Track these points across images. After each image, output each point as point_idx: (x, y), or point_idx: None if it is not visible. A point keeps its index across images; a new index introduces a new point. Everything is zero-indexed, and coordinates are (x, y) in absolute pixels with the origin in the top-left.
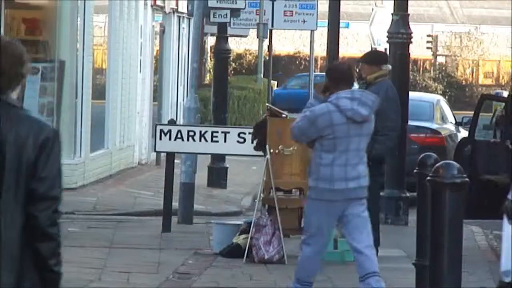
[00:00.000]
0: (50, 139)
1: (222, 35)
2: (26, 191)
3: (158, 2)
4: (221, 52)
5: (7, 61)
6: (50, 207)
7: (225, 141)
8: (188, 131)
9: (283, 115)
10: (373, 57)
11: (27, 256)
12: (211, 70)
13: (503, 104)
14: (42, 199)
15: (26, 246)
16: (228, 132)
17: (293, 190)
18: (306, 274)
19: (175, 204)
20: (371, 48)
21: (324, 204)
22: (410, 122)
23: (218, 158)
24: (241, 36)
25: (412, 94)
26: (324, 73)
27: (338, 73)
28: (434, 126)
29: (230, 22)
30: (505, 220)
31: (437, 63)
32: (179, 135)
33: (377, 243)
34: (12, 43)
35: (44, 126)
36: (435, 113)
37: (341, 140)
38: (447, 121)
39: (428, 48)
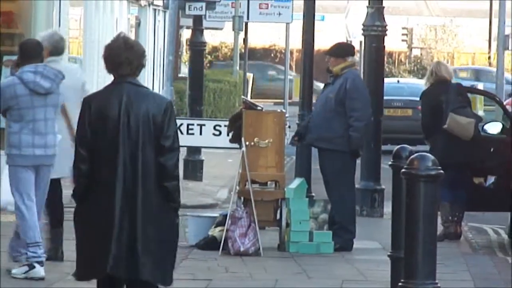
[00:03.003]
0: (169, 107)
1: (197, 28)
2: (155, 146)
3: None
4: (197, 45)
5: (135, 55)
6: (175, 156)
7: (200, 133)
8: None
9: (259, 108)
10: (338, 50)
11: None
12: (186, 62)
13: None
14: (169, 150)
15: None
16: (204, 125)
17: (269, 182)
18: (32, 234)
19: None
20: (346, 41)
21: (19, 169)
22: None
23: (194, 151)
24: (216, 28)
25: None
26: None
27: (26, 49)
28: None
29: (205, 15)
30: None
31: (412, 55)
32: None
33: (352, 235)
34: (137, 42)
35: (164, 98)
36: None
37: (26, 110)
38: None
39: (403, 40)
